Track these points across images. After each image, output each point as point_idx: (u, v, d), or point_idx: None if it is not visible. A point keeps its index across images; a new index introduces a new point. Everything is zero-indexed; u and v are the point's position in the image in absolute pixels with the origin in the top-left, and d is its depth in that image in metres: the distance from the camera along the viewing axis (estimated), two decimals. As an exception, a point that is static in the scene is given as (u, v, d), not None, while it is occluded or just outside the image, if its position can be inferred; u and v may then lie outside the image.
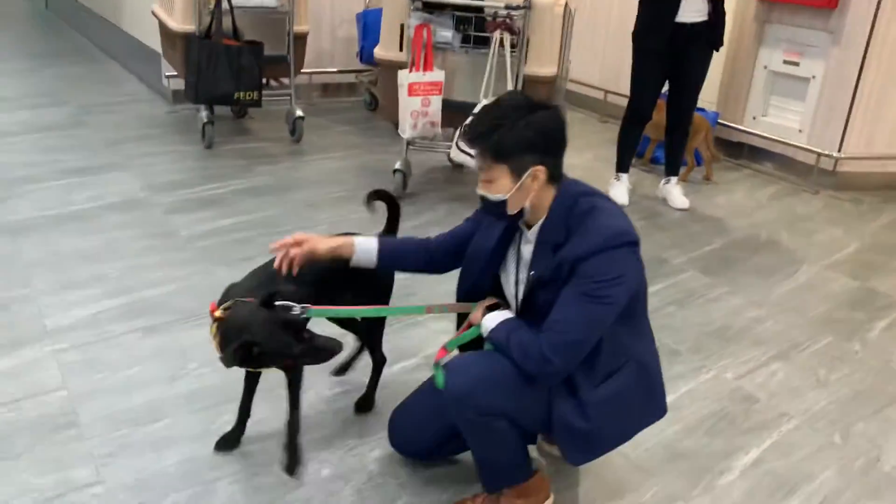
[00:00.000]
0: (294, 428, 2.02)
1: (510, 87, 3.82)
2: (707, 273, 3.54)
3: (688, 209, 4.31)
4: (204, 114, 4.75)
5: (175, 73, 5.42)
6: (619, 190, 4.37)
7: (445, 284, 2.03)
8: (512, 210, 1.77)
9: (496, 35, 3.74)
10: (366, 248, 2.00)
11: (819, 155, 4.79)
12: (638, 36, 4.09)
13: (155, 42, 5.70)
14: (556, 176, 1.78)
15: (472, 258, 1.99)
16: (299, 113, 4.99)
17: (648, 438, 2.32)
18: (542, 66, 3.93)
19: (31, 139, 4.72)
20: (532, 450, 2.18)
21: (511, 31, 3.74)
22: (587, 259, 1.70)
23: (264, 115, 5.51)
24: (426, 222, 3.85)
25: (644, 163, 5.07)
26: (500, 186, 1.74)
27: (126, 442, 2.16)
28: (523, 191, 1.75)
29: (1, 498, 1.93)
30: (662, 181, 4.45)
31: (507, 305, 1.96)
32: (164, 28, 4.96)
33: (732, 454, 2.29)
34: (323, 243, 1.95)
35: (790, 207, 4.54)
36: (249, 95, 4.64)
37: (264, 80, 5.22)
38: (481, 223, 2.00)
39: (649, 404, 1.93)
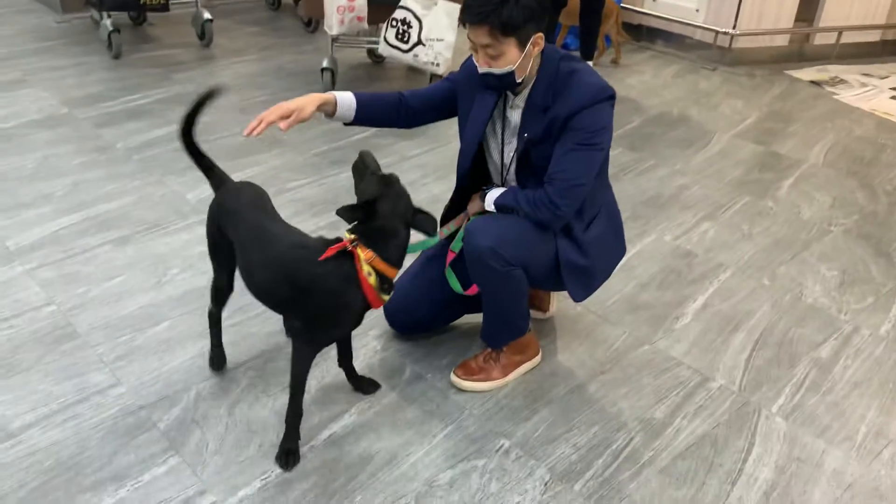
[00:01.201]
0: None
1: (435, -22, 3.85)
2: (633, 149, 3.81)
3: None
4: (108, 21, 4.52)
5: (64, -21, 5.09)
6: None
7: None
8: (520, 78, 1.92)
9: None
10: (345, 101, 2.03)
11: (716, 33, 5.10)
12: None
13: (32, -55, 5.30)
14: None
15: (472, 133, 2.11)
16: (207, 16, 4.83)
17: (611, 295, 2.60)
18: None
19: (-85, 58, 4.38)
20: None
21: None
22: (578, 113, 1.90)
23: (164, 20, 5.29)
24: (362, 119, 3.90)
25: (555, 49, 5.24)
26: (508, 58, 1.88)
27: (133, 346, 2.23)
28: (527, 58, 1.90)
29: (27, 406, 1.99)
30: (578, 66, 4.64)
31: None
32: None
33: (683, 302, 2.61)
34: (309, 105, 1.93)
35: (694, 84, 4.86)
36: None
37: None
38: (462, 90, 2.11)
39: (618, 243, 2.23)
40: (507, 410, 2.09)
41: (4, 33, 4.93)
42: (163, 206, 3.00)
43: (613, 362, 2.31)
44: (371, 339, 2.32)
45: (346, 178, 3.32)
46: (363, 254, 1.74)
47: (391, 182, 1.79)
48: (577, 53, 4.72)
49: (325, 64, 4.13)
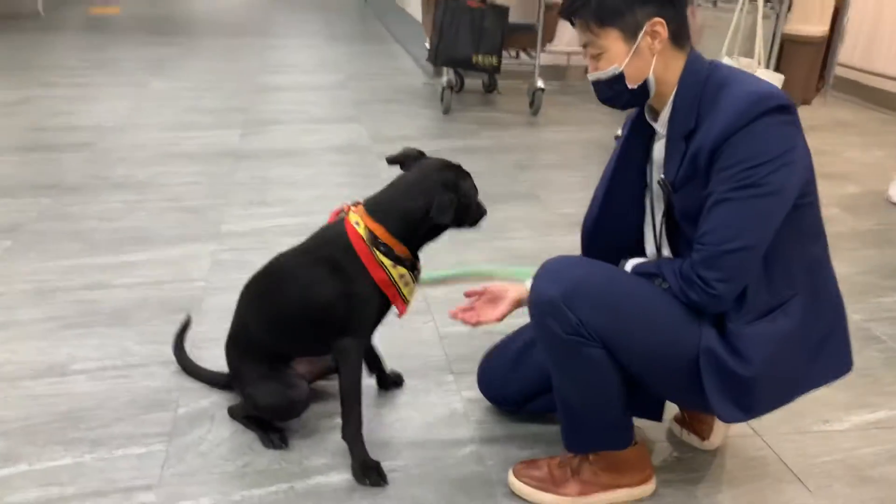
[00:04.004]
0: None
1: (758, 45, 3.23)
2: None
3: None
4: (444, 78, 4.74)
5: (434, 45, 5.54)
6: (903, 189, 3.51)
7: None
8: (632, 83, 1.39)
9: (748, -19, 3.19)
10: None
11: None
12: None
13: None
14: (681, 35, 1.39)
15: (605, 171, 1.62)
16: (540, 84, 4.78)
17: (829, 450, 1.73)
18: (807, 22, 3.28)
19: (294, 95, 5.10)
20: (656, 430, 1.74)
21: (768, -23, 3.17)
22: (729, 139, 1.30)
23: (513, 91, 5.41)
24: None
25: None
26: (613, 56, 1.39)
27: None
28: (642, 55, 1.38)
29: (99, 355, 1.98)
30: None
31: None
32: (423, -6, 5.07)
33: (953, 498, 1.62)
34: (506, 303, 1.63)
35: None
36: (488, 60, 4.54)
37: (515, 52, 5.14)
38: None
39: (826, 354, 1.44)
40: (558, 542, 1.45)
41: (377, 86, 5.51)
42: (373, 229, 2.90)
43: (773, 542, 1.49)
44: (457, 399, 1.86)
45: (571, 241, 2.87)
46: (354, 212, 1.57)
47: (458, 169, 1.63)
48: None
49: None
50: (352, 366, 1.57)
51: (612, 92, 1.42)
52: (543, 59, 5.50)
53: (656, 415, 1.66)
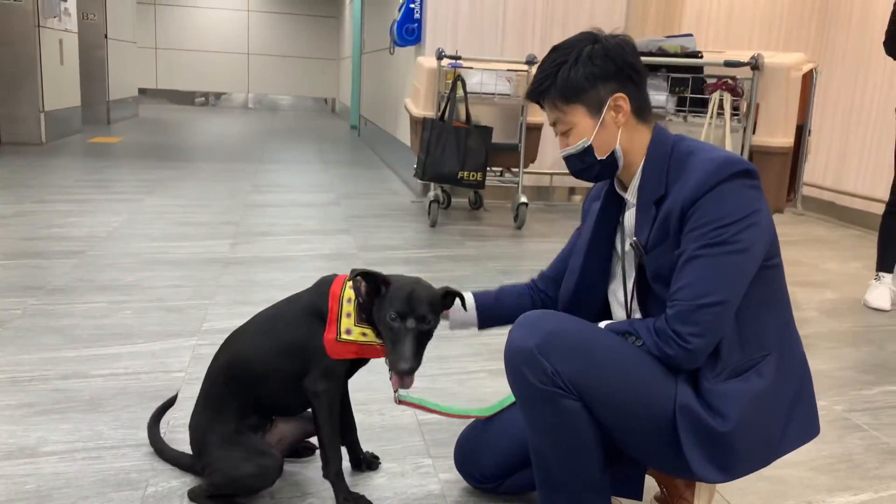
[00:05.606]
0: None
1: (729, 153, 3.39)
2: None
3: (886, 310, 3.47)
4: (431, 193, 4.90)
5: (421, 164, 5.75)
6: (878, 292, 3.58)
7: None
8: (600, 154, 1.49)
9: (714, 97, 3.38)
10: (459, 314, 1.75)
11: None
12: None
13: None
14: (643, 110, 1.49)
15: (581, 242, 1.67)
16: (523, 199, 4.94)
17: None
18: (772, 135, 3.46)
19: (286, 210, 5.24)
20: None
21: (733, 92, 3.37)
22: (697, 201, 1.38)
23: (500, 209, 5.57)
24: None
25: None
26: (581, 130, 1.49)
27: (205, 419, 2.08)
28: (607, 128, 1.48)
29: (71, 439, 1.95)
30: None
31: None
32: (410, 117, 5.32)
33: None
34: None
35: None
36: (473, 176, 4.71)
37: (500, 171, 5.34)
38: (585, 219, 1.71)
39: (798, 415, 1.46)
40: None
41: (367, 204, 5.68)
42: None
43: None
44: (434, 482, 1.83)
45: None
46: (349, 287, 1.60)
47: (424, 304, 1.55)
48: None
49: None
50: (326, 404, 1.59)
51: (584, 164, 1.51)
52: (528, 179, 5.74)
53: (636, 492, 1.63)
